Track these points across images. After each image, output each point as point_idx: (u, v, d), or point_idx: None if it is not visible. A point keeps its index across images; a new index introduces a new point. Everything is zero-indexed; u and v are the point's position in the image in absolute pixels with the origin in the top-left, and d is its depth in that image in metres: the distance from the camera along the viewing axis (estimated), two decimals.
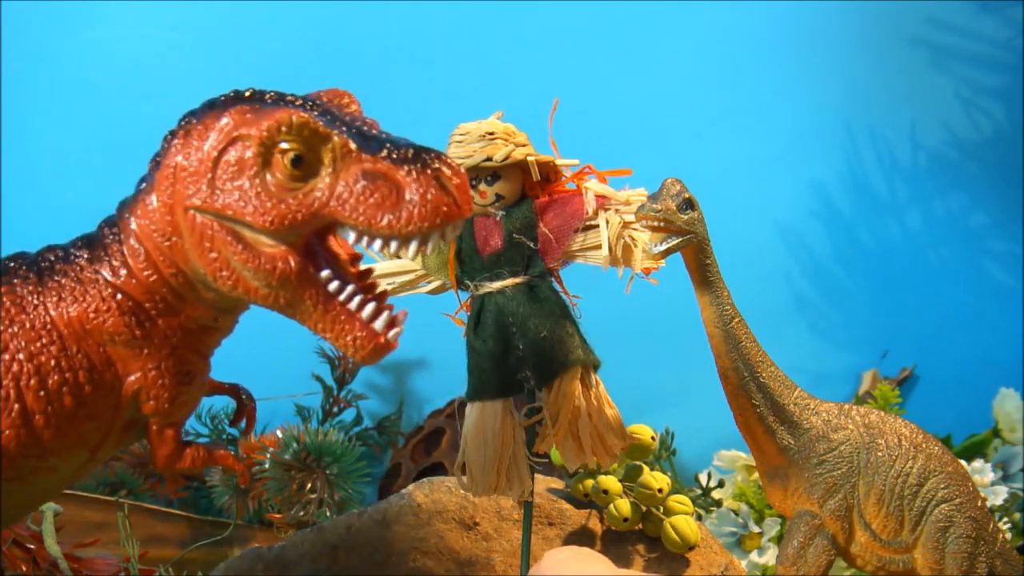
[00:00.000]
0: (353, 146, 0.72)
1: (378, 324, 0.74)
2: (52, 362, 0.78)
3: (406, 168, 0.70)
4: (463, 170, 0.71)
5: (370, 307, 0.74)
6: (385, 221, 0.70)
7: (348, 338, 0.74)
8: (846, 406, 0.97)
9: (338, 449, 1.31)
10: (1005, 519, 1.32)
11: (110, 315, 0.79)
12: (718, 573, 1.02)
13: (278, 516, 1.28)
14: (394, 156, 0.71)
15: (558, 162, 0.90)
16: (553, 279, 0.90)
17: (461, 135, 0.88)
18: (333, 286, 0.74)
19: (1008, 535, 1.30)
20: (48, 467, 0.80)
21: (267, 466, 1.31)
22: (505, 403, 0.89)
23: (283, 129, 0.72)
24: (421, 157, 0.70)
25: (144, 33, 1.56)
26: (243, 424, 0.97)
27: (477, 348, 0.89)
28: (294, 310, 0.75)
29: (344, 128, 0.73)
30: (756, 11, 1.63)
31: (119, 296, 0.79)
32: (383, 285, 0.93)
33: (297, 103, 0.75)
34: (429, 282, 0.93)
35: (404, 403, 1.62)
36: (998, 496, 1.29)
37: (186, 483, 1.47)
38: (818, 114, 1.66)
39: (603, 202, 0.89)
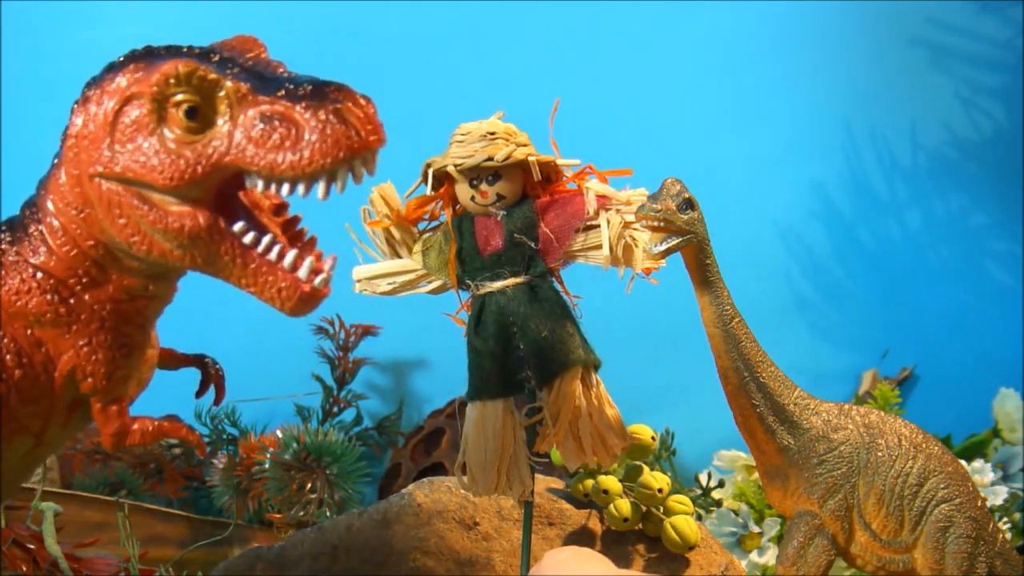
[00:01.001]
0: (247, 88, 0.70)
1: (301, 272, 0.71)
2: None
3: (303, 105, 0.68)
4: (370, 102, 0.69)
5: (291, 255, 0.71)
6: (286, 162, 0.67)
7: (272, 290, 0.71)
8: (846, 406, 0.97)
9: (338, 449, 1.31)
10: (1005, 519, 1.32)
11: (31, 296, 0.78)
12: (718, 573, 1.02)
13: (278, 516, 1.28)
14: (291, 94, 0.68)
15: (559, 162, 0.90)
16: (554, 279, 0.90)
17: (462, 135, 0.88)
18: (249, 237, 0.72)
19: (1008, 535, 1.30)
20: None
21: (267, 466, 1.31)
22: (506, 403, 0.89)
23: (171, 81, 0.70)
24: (320, 92, 0.68)
25: (144, 33, 1.55)
26: (213, 395, 0.96)
27: (478, 348, 0.89)
28: (214, 268, 0.73)
29: (239, 72, 0.71)
30: (756, 11, 1.63)
31: (39, 275, 0.78)
32: (379, 286, 0.94)
33: (191, 53, 0.73)
34: (430, 282, 0.93)
35: (404, 403, 1.62)
36: (998, 496, 1.29)
37: (186, 483, 1.47)
38: (818, 114, 1.66)
39: (604, 202, 0.89)
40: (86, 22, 1.54)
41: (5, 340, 0.78)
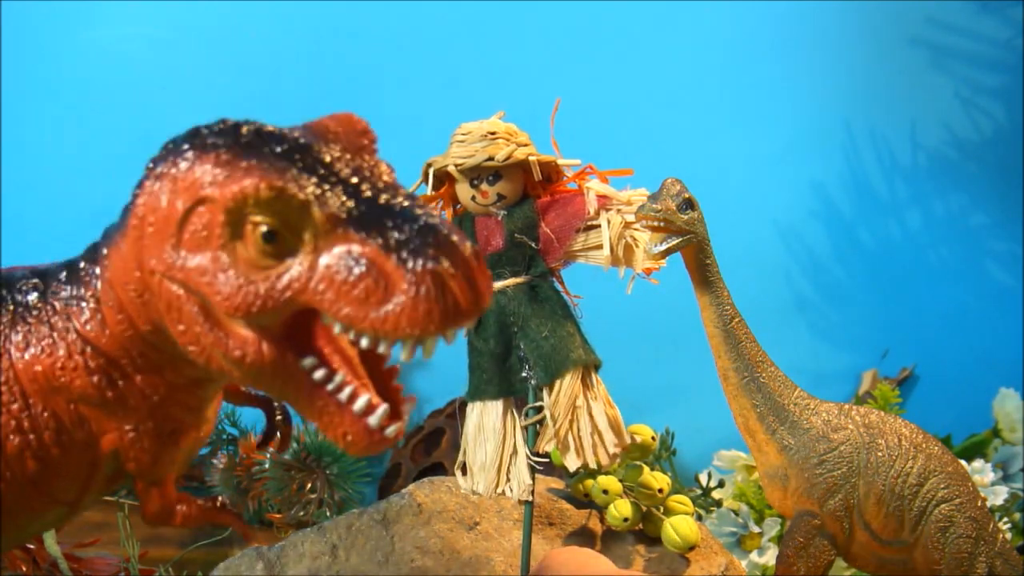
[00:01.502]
0: (340, 218, 0.59)
1: (372, 419, 0.61)
2: (12, 423, 0.68)
3: (399, 257, 0.57)
4: (474, 260, 0.58)
5: (362, 400, 0.62)
6: (368, 321, 0.58)
7: (338, 432, 0.62)
8: (846, 406, 0.97)
9: (338, 449, 1.31)
10: (1005, 519, 1.32)
11: (77, 374, 0.69)
12: (718, 573, 1.02)
13: (278, 516, 1.28)
14: (388, 238, 0.58)
15: (560, 162, 0.90)
16: (554, 279, 0.90)
17: (463, 135, 0.88)
18: (319, 375, 0.62)
19: (1008, 535, 1.30)
20: (16, 525, 0.72)
21: (267, 466, 1.31)
22: (506, 403, 0.90)
23: (251, 202, 0.60)
24: (422, 243, 0.57)
25: (144, 33, 1.56)
26: (275, 443, 0.90)
27: (478, 348, 0.89)
28: (277, 395, 0.66)
29: (334, 192, 0.60)
30: (756, 11, 1.63)
31: (89, 351, 0.69)
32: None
33: (279, 153, 0.61)
34: None
35: None
36: (998, 496, 1.29)
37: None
38: (818, 114, 1.66)
39: (605, 202, 0.89)
40: (86, 22, 1.54)
41: (45, 415, 0.69)
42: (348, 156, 0.63)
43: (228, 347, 0.62)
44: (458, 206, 0.91)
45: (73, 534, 1.19)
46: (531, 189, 0.90)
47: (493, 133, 0.87)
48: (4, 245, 1.46)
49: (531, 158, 0.87)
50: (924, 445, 0.95)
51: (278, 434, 0.89)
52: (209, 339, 0.63)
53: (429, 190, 0.90)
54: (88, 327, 0.69)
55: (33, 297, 0.71)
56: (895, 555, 0.95)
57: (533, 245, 0.88)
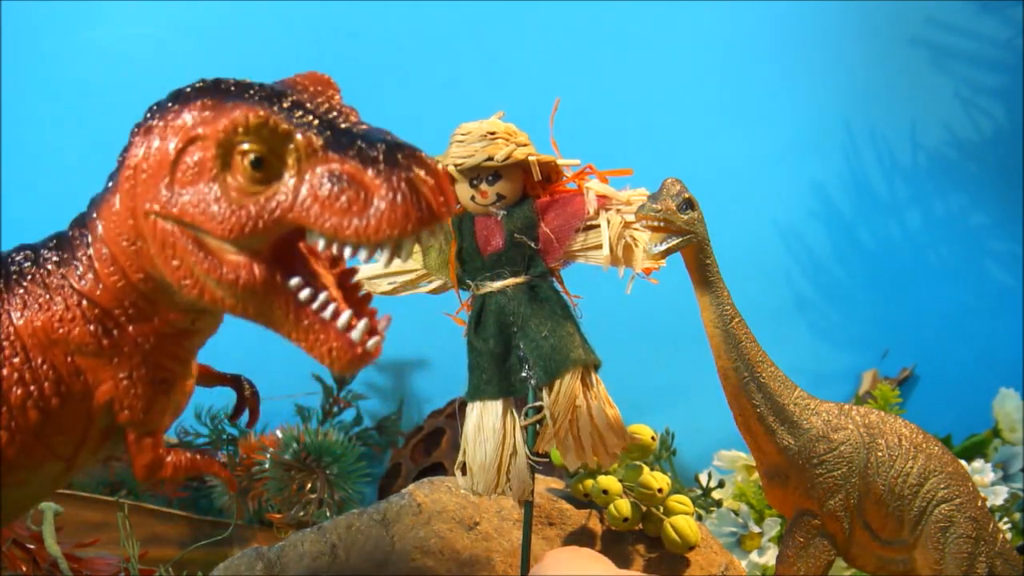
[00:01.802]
0: (318, 144, 0.66)
1: (355, 333, 0.68)
2: (15, 375, 0.74)
3: (375, 168, 0.64)
4: (441, 168, 0.66)
5: (345, 315, 0.68)
6: (352, 228, 0.64)
7: (323, 348, 0.68)
8: (846, 406, 0.97)
9: (338, 449, 1.31)
10: (1005, 519, 1.32)
11: (75, 324, 0.74)
12: (718, 573, 1.02)
13: (278, 516, 1.28)
14: (363, 155, 0.65)
15: (559, 162, 0.90)
16: (554, 279, 0.90)
17: (463, 135, 0.88)
18: (304, 294, 0.68)
19: (1008, 535, 1.30)
20: (17, 481, 0.76)
21: (267, 466, 1.31)
22: (506, 403, 0.90)
23: (240, 129, 0.67)
24: (393, 156, 0.64)
25: (144, 33, 1.56)
26: (246, 418, 0.94)
27: (478, 348, 0.89)
28: (265, 319, 0.70)
29: (311, 123, 0.67)
30: (756, 11, 1.63)
31: (84, 303, 0.74)
32: (379, 286, 0.94)
33: (261, 96, 0.69)
34: (430, 282, 0.93)
35: (404, 403, 1.62)
36: (998, 496, 1.29)
37: (186, 483, 1.47)
38: (818, 114, 1.66)
39: (604, 202, 0.89)
40: (86, 22, 1.54)
41: (44, 367, 0.74)
42: (319, 100, 0.70)
43: (222, 272, 0.68)
44: (458, 206, 0.91)
45: (73, 534, 1.19)
46: (531, 189, 0.90)
47: (492, 133, 0.87)
48: (4, 246, 1.45)
49: (530, 158, 0.87)
50: (924, 445, 0.95)
51: (247, 407, 0.93)
52: (203, 267, 0.68)
53: None
54: (83, 282, 0.75)
55: (27, 265, 0.77)
56: (895, 555, 0.96)
57: (532, 245, 0.88)
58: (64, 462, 0.78)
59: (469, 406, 0.91)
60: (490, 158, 0.86)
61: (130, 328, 0.75)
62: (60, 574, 1.09)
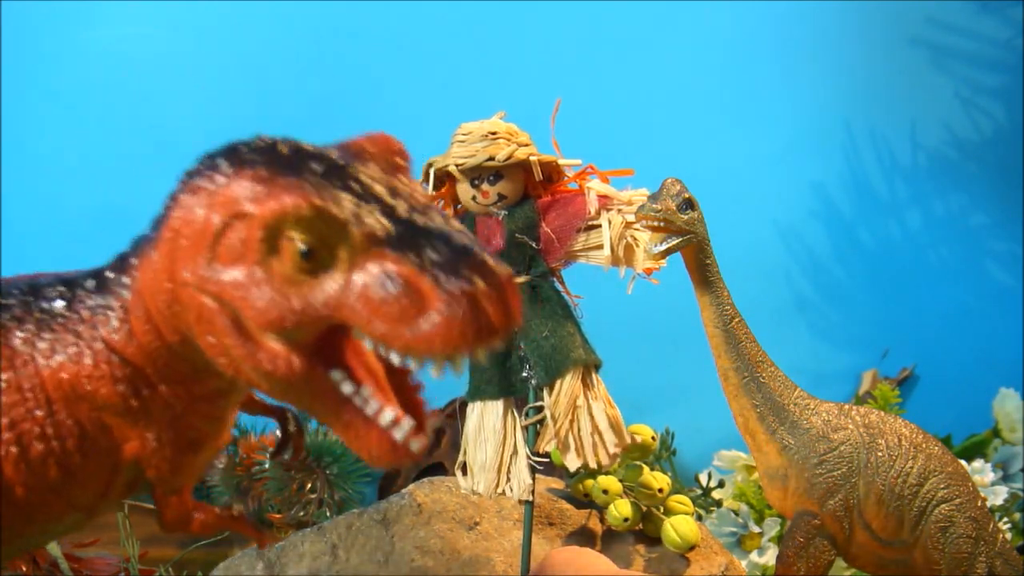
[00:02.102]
0: (379, 236, 0.60)
1: (398, 433, 0.62)
2: (36, 429, 0.69)
3: (434, 276, 0.58)
4: (507, 275, 0.59)
5: (388, 414, 0.62)
6: (403, 339, 0.58)
7: (364, 446, 0.63)
8: (846, 406, 0.97)
9: (338, 449, 1.31)
10: (1005, 519, 1.32)
11: (103, 383, 0.69)
12: (718, 573, 1.02)
13: (278, 516, 1.28)
14: (423, 258, 0.59)
15: (560, 162, 0.90)
16: (555, 279, 0.90)
17: (464, 135, 0.88)
18: (347, 389, 0.63)
19: (1008, 535, 1.30)
20: (34, 531, 0.73)
21: (267, 466, 1.31)
22: (506, 403, 0.90)
23: (291, 219, 0.60)
24: (456, 265, 0.58)
25: (144, 33, 1.56)
26: (288, 453, 0.90)
27: None
28: (304, 409, 0.65)
29: (370, 214, 0.60)
30: (756, 11, 1.63)
31: (115, 360, 0.69)
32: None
33: (319, 174, 0.62)
34: None
35: None
36: (998, 496, 1.29)
37: None
38: (818, 114, 1.66)
39: (605, 202, 0.89)
40: (86, 22, 1.54)
41: (68, 423, 0.69)
42: (384, 176, 0.64)
43: (259, 360, 0.62)
44: (459, 206, 0.91)
45: (73, 534, 1.19)
46: (532, 189, 0.90)
47: (494, 133, 0.87)
48: (4, 246, 1.46)
49: (532, 158, 0.87)
50: (924, 445, 0.96)
51: (291, 444, 0.90)
52: (240, 352, 0.63)
53: (430, 190, 0.90)
54: (115, 336, 0.69)
55: (59, 305, 0.71)
56: (895, 555, 0.96)
57: (534, 245, 0.88)
58: (84, 512, 0.74)
59: (470, 406, 0.92)
60: (491, 158, 0.86)
61: (162, 388, 0.71)
62: (60, 574, 1.09)
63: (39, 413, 0.69)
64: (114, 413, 0.70)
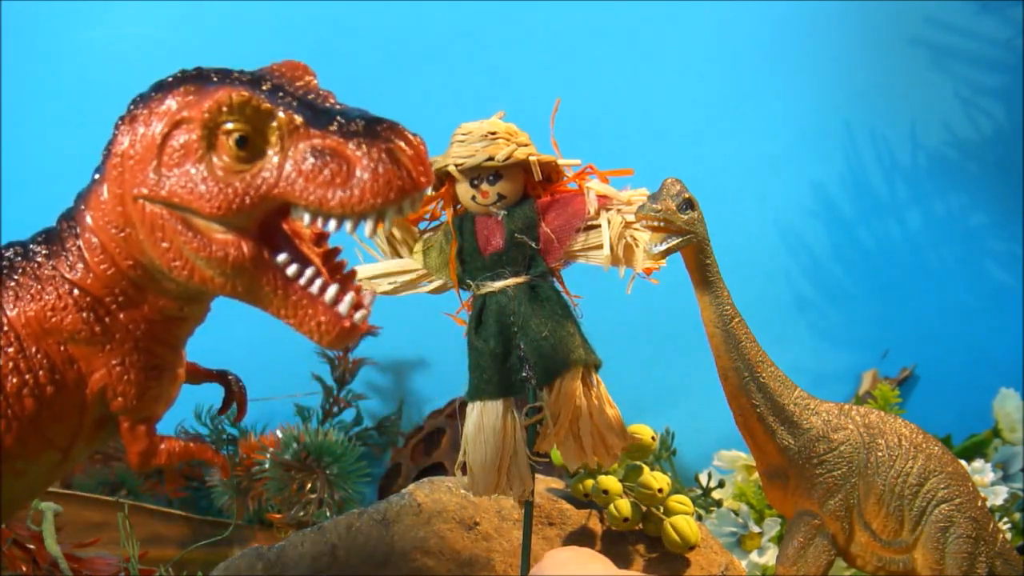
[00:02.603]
0: (300, 121, 0.68)
1: (342, 307, 0.70)
2: (10, 364, 0.76)
3: (356, 141, 0.66)
4: (420, 141, 0.68)
5: (332, 289, 0.70)
6: (336, 199, 0.66)
7: (312, 323, 0.70)
8: (846, 406, 0.97)
9: (338, 449, 1.31)
10: (1005, 519, 1.32)
11: (67, 312, 0.76)
12: (718, 573, 1.02)
13: (278, 516, 1.28)
14: (344, 129, 0.67)
15: (560, 162, 0.90)
16: (555, 279, 0.90)
17: (463, 135, 0.88)
18: (292, 270, 0.70)
19: (1008, 535, 1.30)
20: (15, 470, 0.78)
21: (267, 466, 1.31)
22: (506, 402, 0.89)
23: (224, 109, 0.69)
24: (373, 129, 0.67)
25: (144, 33, 1.56)
26: (234, 411, 0.95)
27: (478, 347, 0.89)
28: (254, 297, 0.72)
29: (292, 103, 0.69)
30: (756, 11, 1.63)
31: (76, 292, 0.77)
32: (380, 286, 0.94)
33: (243, 79, 0.71)
34: (430, 281, 0.93)
35: (404, 403, 1.62)
36: (998, 496, 1.29)
37: (186, 483, 1.47)
38: (818, 114, 1.66)
39: (605, 202, 0.89)
40: (86, 22, 1.54)
41: (39, 356, 0.77)
42: (298, 83, 0.73)
43: (212, 251, 0.70)
44: (458, 206, 0.91)
45: (73, 534, 1.19)
46: (531, 189, 0.90)
47: (493, 133, 0.87)
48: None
49: (531, 158, 0.87)
50: (924, 445, 0.96)
51: (235, 402, 0.95)
52: (193, 246, 0.70)
53: (429, 190, 0.90)
54: (73, 272, 0.77)
55: (17, 259, 0.79)
56: (895, 555, 0.95)
57: (533, 245, 0.88)
58: (60, 452, 0.80)
59: (469, 406, 0.91)
60: (491, 158, 0.86)
61: (121, 315, 0.77)
62: (60, 574, 1.09)
63: (11, 350, 0.76)
64: (80, 342, 0.77)
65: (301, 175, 0.67)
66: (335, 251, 0.76)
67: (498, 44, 1.62)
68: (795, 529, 0.95)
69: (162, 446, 0.82)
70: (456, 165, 0.87)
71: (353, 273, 0.74)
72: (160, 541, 1.30)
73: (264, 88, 0.70)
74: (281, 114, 0.69)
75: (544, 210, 0.89)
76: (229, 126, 0.69)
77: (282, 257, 0.71)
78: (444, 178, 0.90)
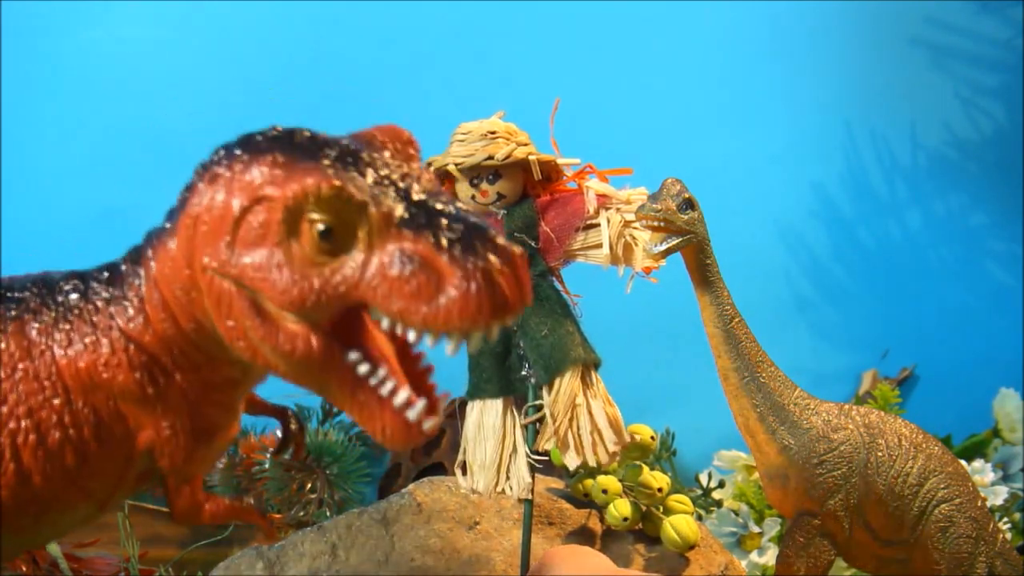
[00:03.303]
0: (395, 218, 0.62)
1: (411, 413, 0.64)
2: (54, 417, 0.70)
3: (451, 254, 0.60)
4: (520, 253, 0.61)
5: (403, 394, 0.64)
6: (420, 315, 0.60)
7: (378, 426, 0.64)
8: (846, 406, 0.97)
9: (338, 449, 1.31)
10: (1005, 519, 1.32)
11: (121, 370, 0.71)
12: (718, 573, 1.02)
13: (278, 516, 1.27)
14: (439, 236, 0.61)
15: (559, 161, 0.90)
16: (554, 278, 0.90)
17: (463, 134, 0.89)
18: (363, 369, 0.64)
19: (1008, 535, 1.30)
20: (49, 521, 0.74)
21: (267, 466, 1.31)
22: (506, 401, 0.90)
23: (312, 199, 0.62)
24: (471, 242, 0.60)
25: (144, 33, 1.56)
26: (289, 453, 0.92)
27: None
28: (319, 390, 0.67)
29: (385, 194, 0.63)
30: (756, 11, 1.63)
31: (132, 348, 0.71)
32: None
33: (333, 157, 0.64)
34: None
35: None
36: (998, 496, 1.29)
37: None
38: (818, 114, 1.66)
39: (604, 201, 0.89)
40: (86, 22, 1.54)
41: (85, 411, 0.71)
42: (395, 162, 0.66)
43: (278, 341, 0.64)
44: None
45: (73, 534, 1.19)
46: (531, 188, 0.90)
47: (493, 132, 0.87)
48: (4, 245, 1.46)
49: (531, 157, 0.87)
50: (924, 445, 0.96)
51: (292, 442, 0.91)
52: (259, 333, 0.65)
53: None
54: (131, 325, 0.71)
55: (75, 297, 0.73)
56: (895, 555, 0.95)
57: (533, 244, 0.88)
58: (97, 504, 0.75)
59: (469, 405, 0.92)
60: (490, 157, 0.86)
61: (177, 376, 0.72)
62: (60, 574, 1.09)
63: (56, 401, 0.71)
64: (130, 401, 0.71)
65: (386, 281, 0.61)
66: (410, 343, 0.67)
67: (498, 44, 1.62)
68: (795, 529, 0.95)
69: (207, 506, 0.79)
70: (456, 164, 0.87)
71: (430, 369, 0.68)
72: (160, 541, 1.30)
73: (359, 173, 0.64)
74: (373, 210, 0.62)
75: (544, 209, 0.89)
76: (315, 216, 0.62)
77: (353, 356, 0.64)
78: (444, 178, 0.90)
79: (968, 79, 1.66)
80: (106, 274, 0.74)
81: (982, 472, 1.32)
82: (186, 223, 0.67)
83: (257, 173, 0.65)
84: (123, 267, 0.73)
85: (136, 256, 0.73)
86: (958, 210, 1.68)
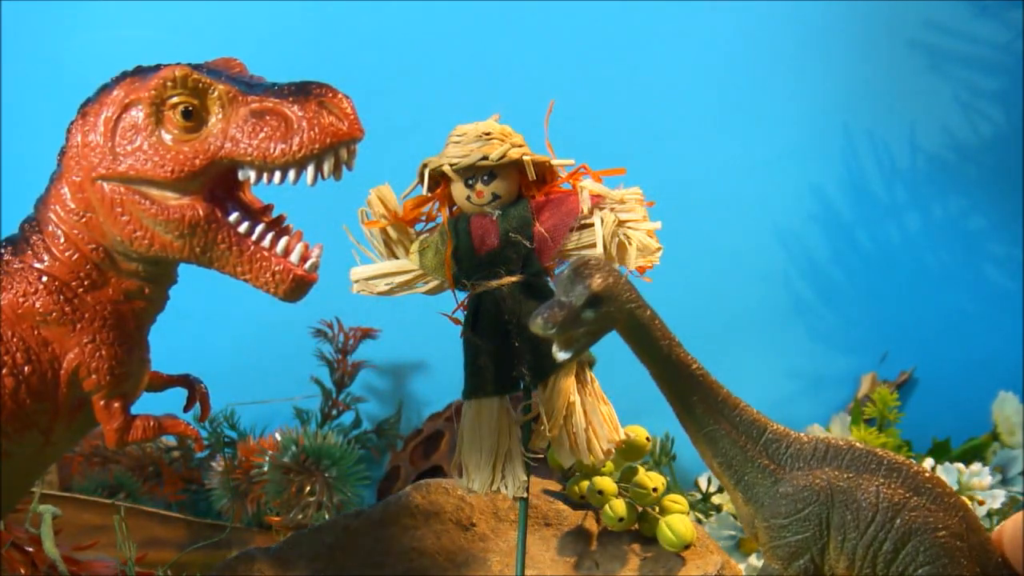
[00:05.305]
0: (238, 90, 0.77)
1: (293, 258, 0.78)
2: None
3: (291, 99, 0.75)
4: (349, 97, 0.76)
5: (283, 241, 0.79)
6: (278, 151, 0.75)
7: (267, 275, 0.78)
8: (822, 445, 0.88)
9: (337, 452, 1.31)
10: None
11: (38, 296, 0.83)
12: (714, 572, 1.02)
13: (277, 519, 1.28)
14: (279, 93, 0.76)
15: (554, 162, 0.90)
16: (549, 278, 0.90)
17: (458, 136, 0.89)
18: (243, 227, 0.79)
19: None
20: (1, 451, 0.84)
21: (266, 469, 1.31)
22: (501, 400, 0.90)
23: (169, 84, 0.77)
24: (304, 88, 0.76)
25: (144, 34, 1.56)
26: (197, 411, 0.99)
27: (474, 345, 0.89)
28: (211, 257, 0.79)
29: (228, 79, 0.78)
30: (756, 11, 1.63)
31: (45, 278, 0.84)
32: (376, 287, 0.94)
33: (179, 63, 0.79)
34: (426, 282, 0.93)
35: (403, 406, 1.62)
36: (996, 500, 1.29)
37: (184, 486, 1.47)
38: (817, 117, 1.66)
39: (598, 201, 0.89)
40: (86, 22, 1.55)
41: (15, 339, 0.83)
42: (229, 69, 0.82)
43: (169, 213, 0.78)
44: (454, 207, 0.91)
45: (71, 537, 1.19)
46: (526, 189, 0.90)
47: (488, 134, 0.88)
48: None
49: (525, 158, 0.87)
50: (908, 501, 0.85)
51: (197, 402, 0.99)
52: (151, 213, 0.78)
53: (425, 191, 0.90)
54: (41, 262, 0.84)
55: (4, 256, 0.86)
56: None
57: (528, 244, 0.88)
58: (42, 434, 0.86)
59: (465, 404, 0.92)
60: (485, 157, 0.86)
61: (88, 297, 0.84)
62: None
63: None
64: (51, 323, 0.84)
65: (244, 134, 0.76)
66: (281, 217, 0.83)
67: (496, 45, 1.63)
68: None
69: (136, 422, 0.88)
70: (451, 165, 0.87)
71: (300, 233, 0.81)
72: (158, 544, 1.30)
73: (202, 69, 0.79)
74: (221, 85, 0.77)
75: (538, 210, 0.89)
76: (174, 100, 0.77)
77: (234, 216, 0.79)
78: (440, 179, 0.90)
79: (967, 82, 1.66)
80: (4, 242, 0.87)
81: (980, 475, 1.32)
82: (71, 155, 0.82)
83: (118, 91, 0.80)
84: (21, 228, 0.87)
85: (28, 218, 0.87)
86: (957, 213, 1.68)
